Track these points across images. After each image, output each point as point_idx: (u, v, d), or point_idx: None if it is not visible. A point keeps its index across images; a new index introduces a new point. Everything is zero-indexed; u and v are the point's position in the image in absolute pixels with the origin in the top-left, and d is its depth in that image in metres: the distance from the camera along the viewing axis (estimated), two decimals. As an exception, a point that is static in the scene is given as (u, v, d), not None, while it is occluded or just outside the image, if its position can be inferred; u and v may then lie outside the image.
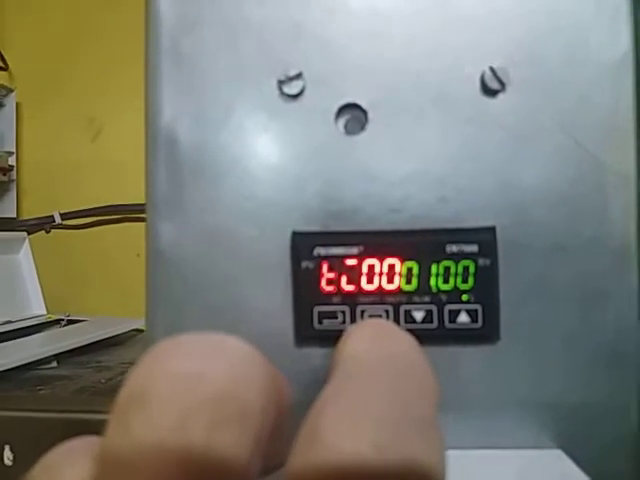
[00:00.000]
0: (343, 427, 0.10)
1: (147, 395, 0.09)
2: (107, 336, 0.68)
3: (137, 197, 0.87)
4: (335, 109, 0.18)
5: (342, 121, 0.18)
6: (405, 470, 0.09)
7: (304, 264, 0.17)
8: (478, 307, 0.17)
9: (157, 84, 0.18)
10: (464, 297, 0.17)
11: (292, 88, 0.17)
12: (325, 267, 0.17)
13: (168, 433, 0.09)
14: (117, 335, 0.70)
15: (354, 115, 0.18)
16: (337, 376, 0.11)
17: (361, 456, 0.09)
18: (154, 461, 0.09)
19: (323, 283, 0.17)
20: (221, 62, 0.18)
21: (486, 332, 0.17)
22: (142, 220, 0.90)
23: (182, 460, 0.09)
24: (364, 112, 0.17)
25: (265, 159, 0.18)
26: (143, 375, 0.10)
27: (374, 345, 0.12)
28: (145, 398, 0.09)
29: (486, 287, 0.17)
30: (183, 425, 0.09)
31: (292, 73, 0.17)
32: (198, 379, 0.10)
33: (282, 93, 0.18)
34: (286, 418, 0.12)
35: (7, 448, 0.38)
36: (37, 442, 0.38)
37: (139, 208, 0.88)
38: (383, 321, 0.17)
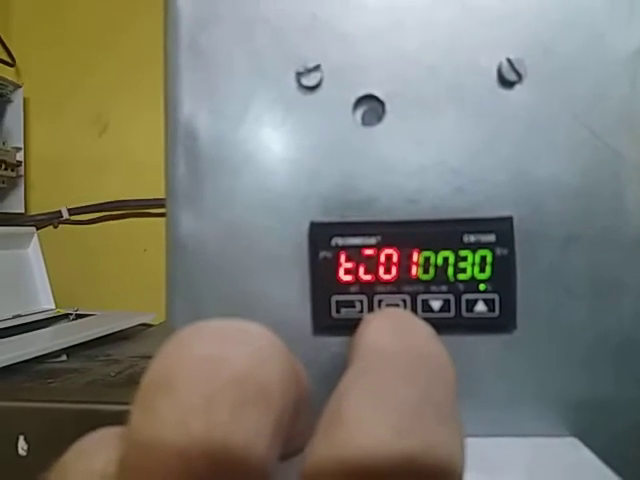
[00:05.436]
0: (365, 412, 0.10)
1: (172, 379, 0.10)
2: (116, 330, 0.68)
3: (145, 192, 0.88)
4: (353, 100, 0.18)
5: (359, 112, 0.18)
6: (425, 456, 0.09)
7: (322, 254, 0.17)
8: (495, 296, 0.17)
9: (176, 80, 0.18)
10: (481, 286, 0.17)
11: (310, 80, 0.18)
12: (343, 257, 0.17)
13: (193, 415, 0.09)
14: (125, 329, 0.70)
15: (371, 106, 0.18)
16: (357, 364, 0.12)
17: (383, 441, 0.09)
18: (180, 442, 0.09)
19: (341, 273, 0.17)
20: (239, 56, 0.18)
21: (503, 321, 0.17)
22: (149, 215, 0.91)
23: (206, 441, 0.09)
24: (381, 103, 0.18)
25: (283, 151, 0.18)
26: (168, 360, 0.10)
27: (392, 333, 0.13)
28: (170, 382, 0.10)
29: (503, 277, 0.17)
30: (207, 407, 0.09)
31: (310, 65, 0.17)
32: (221, 363, 0.10)
33: (300, 85, 0.18)
34: (304, 405, 0.12)
35: (21, 438, 0.38)
36: (51, 433, 0.38)
37: (147, 203, 0.89)
38: (400, 310, 0.17)
